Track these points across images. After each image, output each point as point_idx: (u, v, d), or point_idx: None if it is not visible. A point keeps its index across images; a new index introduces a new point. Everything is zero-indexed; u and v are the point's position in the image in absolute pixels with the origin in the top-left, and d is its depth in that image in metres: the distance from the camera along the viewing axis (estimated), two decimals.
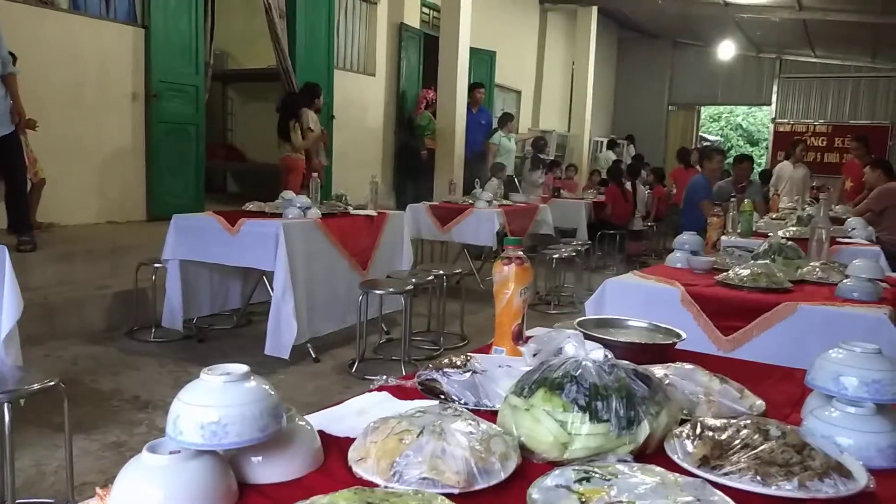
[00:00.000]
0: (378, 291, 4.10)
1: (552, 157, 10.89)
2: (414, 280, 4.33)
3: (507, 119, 9.41)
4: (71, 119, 5.70)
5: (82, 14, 5.84)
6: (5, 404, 2.05)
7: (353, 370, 4.04)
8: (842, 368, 1.11)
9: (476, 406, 1.19)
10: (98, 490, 0.84)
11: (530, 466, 0.98)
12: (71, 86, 5.71)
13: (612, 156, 12.32)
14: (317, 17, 7.92)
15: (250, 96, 9.24)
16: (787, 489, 0.90)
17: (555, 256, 5.98)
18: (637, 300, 2.60)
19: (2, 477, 2.13)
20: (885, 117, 14.04)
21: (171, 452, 0.84)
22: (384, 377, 1.33)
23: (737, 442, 0.99)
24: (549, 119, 13.36)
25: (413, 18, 9.59)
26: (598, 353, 1.09)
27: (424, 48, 9.65)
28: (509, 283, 1.46)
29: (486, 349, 1.53)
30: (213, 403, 0.85)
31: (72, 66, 5.70)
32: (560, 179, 9.23)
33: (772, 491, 0.91)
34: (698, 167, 8.92)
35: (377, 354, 4.43)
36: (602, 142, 14.49)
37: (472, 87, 9.26)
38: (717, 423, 1.05)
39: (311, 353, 4.19)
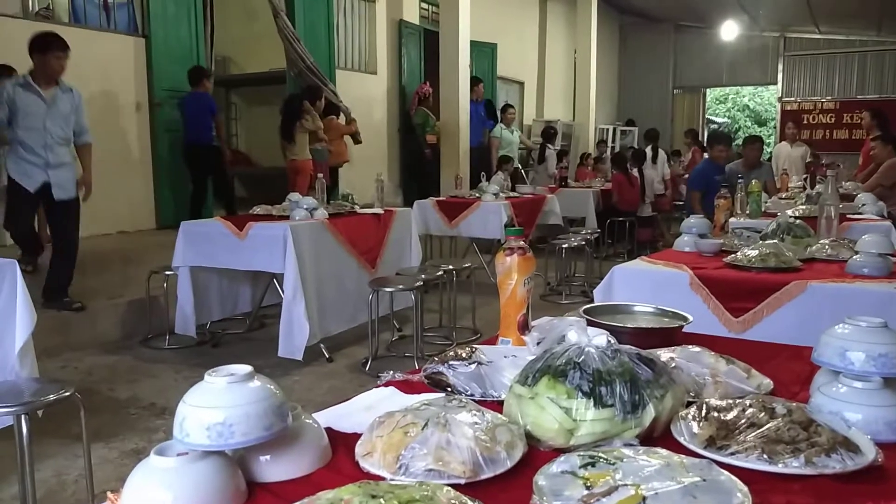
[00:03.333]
0: (388, 289, 4.11)
1: (559, 147, 10.87)
2: (423, 276, 4.34)
3: (505, 111, 9.38)
4: None
5: (83, 27, 5.88)
6: (23, 416, 2.07)
7: (367, 368, 4.06)
8: (848, 343, 1.11)
9: (482, 397, 1.19)
10: (109, 494, 0.86)
11: (537, 454, 0.98)
12: None
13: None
14: (316, 16, 7.93)
15: (254, 101, 9.27)
16: (794, 466, 0.90)
17: (564, 246, 5.97)
18: (646, 286, 2.59)
19: (23, 488, 2.15)
20: (894, 91, 13.88)
21: (178, 455, 0.85)
22: (391, 372, 1.33)
23: (743, 421, 0.99)
24: (554, 109, 13.32)
25: (412, 14, 9.58)
26: (600, 339, 1.09)
27: (425, 44, 9.64)
28: (512, 273, 1.46)
29: (492, 340, 1.53)
30: (217, 404, 0.86)
31: (75, 79, 5.66)
32: (566, 169, 9.19)
33: (779, 468, 0.91)
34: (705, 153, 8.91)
35: (390, 352, 4.45)
36: (608, 129, 14.45)
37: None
38: (723, 403, 1.05)
39: (325, 353, 4.21)
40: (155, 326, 4.52)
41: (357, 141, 7.80)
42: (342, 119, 7.81)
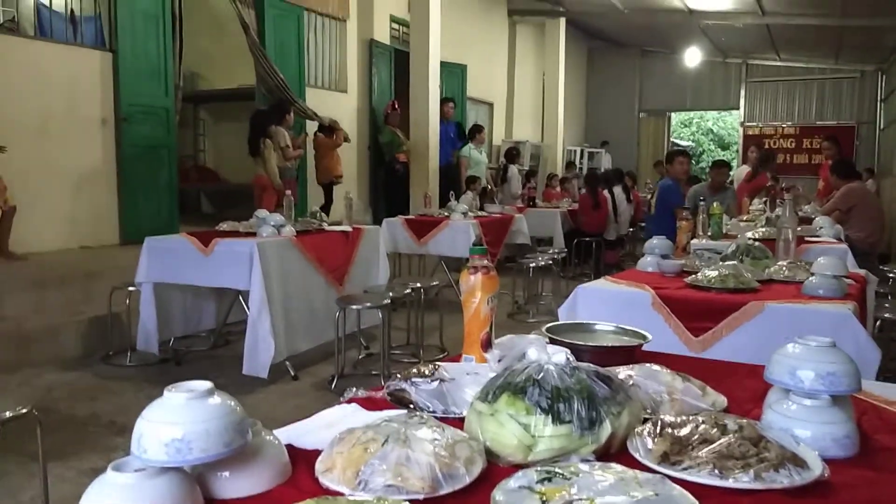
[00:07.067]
0: (355, 306, 4.11)
1: (527, 168, 10.97)
2: (391, 294, 4.34)
3: (476, 131, 9.46)
4: (41, 145, 5.65)
5: (49, 40, 5.82)
6: None
7: (333, 387, 4.03)
8: (798, 362, 1.14)
9: (444, 414, 1.20)
10: None
11: (496, 470, 0.99)
12: (40, 111, 5.67)
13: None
14: (287, 35, 7.93)
15: (222, 116, 9.22)
16: (743, 481, 0.93)
17: (532, 265, 6.02)
18: (609, 305, 2.63)
19: None
20: (851, 117, 14.32)
21: (136, 470, 0.85)
22: (354, 389, 1.34)
23: (696, 437, 1.01)
24: (523, 129, 13.46)
25: (383, 34, 9.64)
26: (560, 356, 1.11)
27: (395, 63, 9.69)
28: (476, 291, 1.48)
29: (457, 358, 1.55)
30: (176, 420, 0.86)
31: (40, 92, 5.66)
32: (534, 189, 9.27)
33: (729, 483, 0.93)
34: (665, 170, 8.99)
35: (357, 370, 4.43)
36: (577, 150, 14.65)
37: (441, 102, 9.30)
38: (677, 419, 1.07)
39: (290, 371, 4.17)
40: (116, 343, 4.44)
41: (346, 140, 7.87)
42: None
